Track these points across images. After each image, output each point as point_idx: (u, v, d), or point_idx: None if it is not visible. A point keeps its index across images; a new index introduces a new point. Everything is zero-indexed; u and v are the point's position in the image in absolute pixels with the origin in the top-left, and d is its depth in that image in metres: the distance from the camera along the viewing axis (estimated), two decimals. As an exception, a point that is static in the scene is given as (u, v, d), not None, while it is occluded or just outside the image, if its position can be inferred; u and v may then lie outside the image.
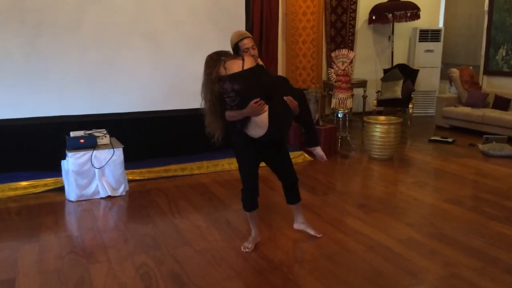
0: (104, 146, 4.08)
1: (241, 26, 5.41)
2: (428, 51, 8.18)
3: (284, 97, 2.71)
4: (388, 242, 3.15)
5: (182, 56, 5.08)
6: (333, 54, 5.65)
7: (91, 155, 3.97)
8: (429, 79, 8.19)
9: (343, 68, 5.59)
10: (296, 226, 3.29)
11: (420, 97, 8.13)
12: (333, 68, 5.66)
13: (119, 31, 4.74)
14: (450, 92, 7.60)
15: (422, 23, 8.06)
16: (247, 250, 3.02)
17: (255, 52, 2.95)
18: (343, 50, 5.61)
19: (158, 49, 4.95)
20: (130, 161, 4.57)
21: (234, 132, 2.94)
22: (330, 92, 5.86)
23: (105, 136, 4.13)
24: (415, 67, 7.89)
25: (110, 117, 4.71)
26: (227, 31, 5.44)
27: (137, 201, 4.03)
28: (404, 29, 8.21)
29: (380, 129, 5.25)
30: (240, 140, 2.94)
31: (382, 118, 5.57)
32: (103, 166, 4.03)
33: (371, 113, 7.61)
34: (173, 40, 5.01)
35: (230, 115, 2.83)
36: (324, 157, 3.09)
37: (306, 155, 5.34)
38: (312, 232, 3.22)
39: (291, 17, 7.09)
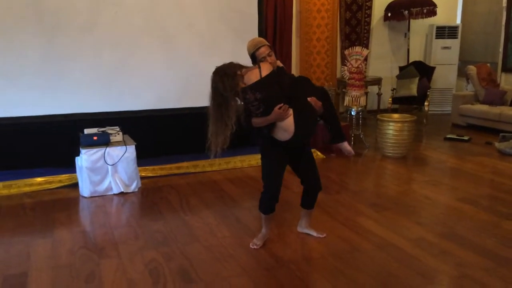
0: (117, 143, 4.13)
1: (254, 26, 5.43)
2: (445, 48, 8.05)
3: (308, 98, 2.73)
4: (399, 242, 3.11)
5: (195, 56, 5.10)
6: (346, 52, 5.61)
7: (104, 152, 4.03)
8: (446, 76, 8.06)
9: (356, 65, 5.55)
10: (299, 229, 3.29)
11: (436, 94, 8.01)
12: (347, 66, 5.62)
13: (133, 32, 4.79)
14: (467, 89, 7.46)
15: (439, 19, 7.94)
16: (255, 247, 3.03)
17: (272, 59, 2.92)
18: (357, 47, 5.57)
19: (171, 49, 4.98)
20: (143, 158, 4.63)
21: (261, 136, 2.95)
22: (344, 90, 5.82)
23: (118, 134, 4.19)
24: (432, 64, 7.77)
25: (124, 115, 4.77)
26: (240, 32, 5.52)
27: (149, 198, 4.07)
28: (420, 26, 8.09)
29: (393, 127, 5.19)
30: (267, 144, 2.96)
31: (395, 115, 5.51)
32: (116, 163, 4.09)
33: (386, 110, 7.53)
34: (187, 41, 5.04)
35: (256, 122, 2.84)
36: (352, 151, 3.14)
37: (319, 152, 5.32)
38: (315, 234, 3.22)
39: (305, 15, 7.06)
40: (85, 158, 3.98)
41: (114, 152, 4.08)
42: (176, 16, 4.95)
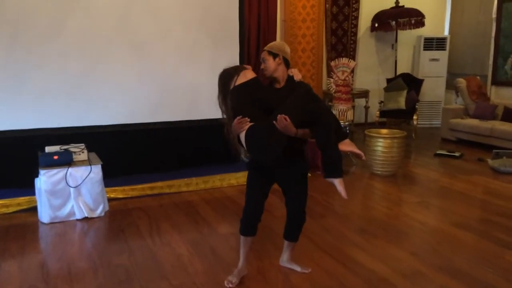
0: (81, 163, 3.75)
1: (235, 34, 5.12)
2: (433, 60, 7.85)
3: (279, 116, 2.38)
4: (391, 276, 2.79)
5: (171, 65, 4.76)
6: (332, 63, 5.33)
7: (66, 172, 3.64)
8: (434, 89, 7.85)
9: (343, 78, 5.27)
10: (281, 263, 2.93)
11: (425, 108, 7.79)
12: (333, 78, 5.34)
13: (102, 39, 4.42)
14: (457, 103, 7.25)
15: (427, 31, 7.75)
16: (231, 285, 2.67)
17: (263, 65, 2.65)
18: (343, 59, 5.30)
19: (145, 58, 4.62)
20: (112, 178, 4.26)
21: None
22: (330, 103, 5.53)
23: (83, 152, 3.80)
24: (420, 77, 7.55)
25: (91, 130, 4.38)
26: (220, 39, 5.19)
27: (116, 223, 3.68)
28: (408, 37, 7.89)
29: (382, 144, 4.90)
30: (250, 160, 2.76)
31: (384, 131, 5.23)
32: (79, 185, 3.70)
33: (373, 124, 7.28)
34: (162, 49, 4.69)
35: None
36: (344, 193, 2.52)
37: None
38: (298, 269, 2.86)
39: (290, 24, 6.78)
40: (44, 180, 3.58)
41: (77, 173, 3.69)
42: (150, 21, 4.60)
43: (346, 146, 2.64)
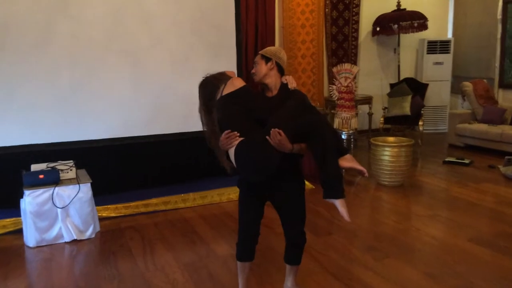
0: (69, 181, 3.51)
1: (232, 41, 4.90)
2: (437, 63, 7.62)
3: (272, 129, 2.14)
4: (407, 302, 2.53)
5: (166, 75, 4.54)
6: (334, 69, 5.10)
7: (53, 192, 3.40)
8: (439, 93, 7.61)
9: (346, 84, 5.03)
10: None
11: (429, 113, 7.55)
12: (335, 85, 5.10)
13: (94, 49, 4.20)
14: (463, 107, 7.01)
15: (430, 34, 7.52)
16: (230, 316, 2.42)
17: (255, 69, 2.44)
18: (346, 64, 5.06)
19: (138, 68, 4.40)
20: (105, 195, 4.04)
21: None
22: (333, 111, 5.29)
23: (71, 170, 3.57)
24: (424, 81, 7.32)
25: (82, 145, 4.15)
26: (216, 47, 4.96)
27: (107, 245, 3.44)
28: (410, 41, 7.67)
29: (389, 153, 4.65)
30: (240, 177, 2.47)
31: (391, 139, 4.98)
32: (67, 205, 3.46)
33: (377, 130, 7.04)
34: (156, 58, 4.47)
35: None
36: (346, 215, 2.20)
37: (307, 183, 4.75)
38: (303, 297, 2.61)
39: (289, 30, 6.57)
40: (29, 201, 3.34)
41: (64, 192, 3.45)
42: (142, 30, 4.39)
43: (347, 162, 2.33)
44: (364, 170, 2.35)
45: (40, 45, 4.01)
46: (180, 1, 4.55)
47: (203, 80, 2.43)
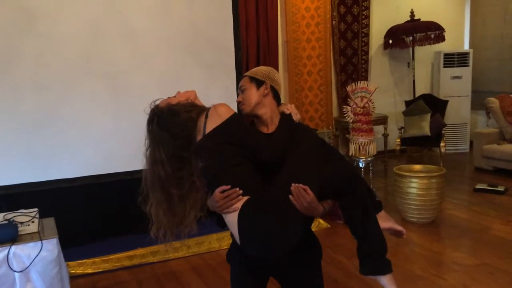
0: (30, 237, 2.80)
1: (231, 59, 4.27)
2: (455, 77, 6.98)
3: (293, 185, 1.48)
4: None
5: (154, 99, 3.87)
6: (349, 88, 4.44)
7: (8, 252, 2.70)
8: (458, 110, 6.94)
9: (362, 105, 4.37)
10: None
11: (449, 131, 6.87)
12: (350, 106, 4.44)
13: (66, 72, 3.56)
14: (488, 125, 6.33)
15: (445, 46, 6.90)
16: None
17: (240, 96, 1.83)
18: (362, 82, 4.41)
19: (120, 91, 3.75)
20: (82, 245, 3.37)
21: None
22: (347, 136, 4.63)
23: (33, 221, 2.87)
24: (441, 97, 6.66)
25: (52, 186, 3.47)
26: (213, 67, 4.28)
27: (78, 318, 2.74)
28: (425, 54, 7.04)
29: (417, 184, 3.96)
30: (231, 246, 1.84)
31: (417, 167, 4.29)
32: (27, 268, 2.75)
33: (393, 152, 6.36)
34: (141, 81, 3.82)
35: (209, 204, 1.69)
36: None
37: (321, 220, 4.06)
38: None
39: (293, 45, 5.95)
40: (-23, 265, 2.65)
41: (23, 252, 2.74)
42: (125, 48, 3.75)
43: (383, 221, 1.72)
44: (404, 230, 1.80)
45: (1, 67, 3.37)
46: (170, 14, 3.93)
47: (168, 112, 1.74)
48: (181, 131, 1.70)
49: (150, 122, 1.77)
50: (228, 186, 1.55)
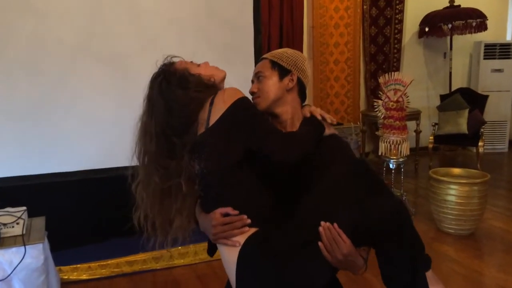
0: (12, 241, 2.48)
1: (249, 43, 3.85)
2: (496, 70, 6.38)
3: (322, 224, 1.06)
4: None
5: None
6: (381, 80, 3.96)
7: (-14, 258, 2.38)
8: (497, 106, 6.36)
9: (395, 99, 3.88)
10: None
11: (487, 129, 6.29)
12: (382, 99, 3.96)
13: (65, 54, 3.21)
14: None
15: (486, 36, 6.29)
16: None
17: (255, 85, 1.46)
18: (396, 73, 3.91)
19: (123, 77, 3.38)
20: (77, 247, 3.04)
21: None
22: (377, 133, 4.16)
23: (17, 223, 2.53)
24: (480, 91, 6.09)
25: (44, 180, 3.13)
26: (229, 51, 3.90)
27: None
28: (463, 44, 6.46)
29: (456, 192, 3.48)
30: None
31: (456, 171, 3.81)
32: (8, 276, 2.43)
33: (425, 149, 5.85)
34: (147, 65, 3.38)
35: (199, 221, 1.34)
36: None
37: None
38: None
39: (320, 31, 5.48)
40: (-49, 272, 2.34)
41: (4, 258, 2.42)
42: (130, 29, 3.38)
43: (430, 285, 1.32)
44: None
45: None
46: (182, -8, 3.53)
47: (174, 76, 1.42)
48: (180, 109, 1.32)
49: (155, 78, 1.37)
50: (232, 211, 1.14)
